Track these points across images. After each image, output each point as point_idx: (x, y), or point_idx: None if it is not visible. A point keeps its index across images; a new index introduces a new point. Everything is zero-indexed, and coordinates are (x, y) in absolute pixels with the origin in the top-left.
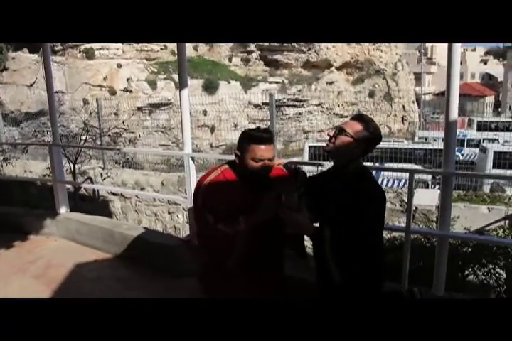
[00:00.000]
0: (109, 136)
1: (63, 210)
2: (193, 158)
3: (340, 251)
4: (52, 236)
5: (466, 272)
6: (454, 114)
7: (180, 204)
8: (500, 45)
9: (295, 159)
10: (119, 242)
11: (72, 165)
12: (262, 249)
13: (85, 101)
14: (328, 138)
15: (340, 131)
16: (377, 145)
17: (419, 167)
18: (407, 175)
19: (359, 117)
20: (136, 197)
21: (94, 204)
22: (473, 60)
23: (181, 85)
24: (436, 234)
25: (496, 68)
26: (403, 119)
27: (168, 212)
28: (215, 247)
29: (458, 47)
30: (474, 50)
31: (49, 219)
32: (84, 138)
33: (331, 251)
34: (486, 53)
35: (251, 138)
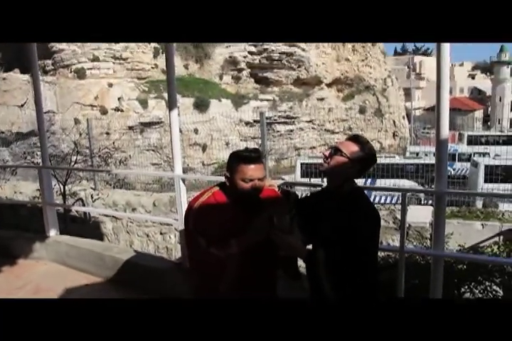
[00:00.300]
0: (99, 156)
1: (53, 233)
2: (183, 180)
3: (334, 272)
4: (41, 260)
5: (463, 290)
6: (445, 132)
7: (172, 225)
8: (488, 59)
9: (287, 177)
10: (109, 266)
11: (62, 187)
12: (254, 271)
13: (76, 121)
14: (323, 157)
15: (335, 151)
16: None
17: (411, 182)
18: (400, 182)
19: (355, 138)
20: (128, 217)
21: (85, 226)
22: (461, 74)
23: (171, 106)
24: (430, 254)
25: (483, 83)
26: (394, 135)
27: (160, 233)
28: (207, 271)
29: (446, 61)
30: (462, 65)
31: (38, 242)
32: (74, 158)
33: (325, 272)
34: (474, 68)
35: (239, 158)
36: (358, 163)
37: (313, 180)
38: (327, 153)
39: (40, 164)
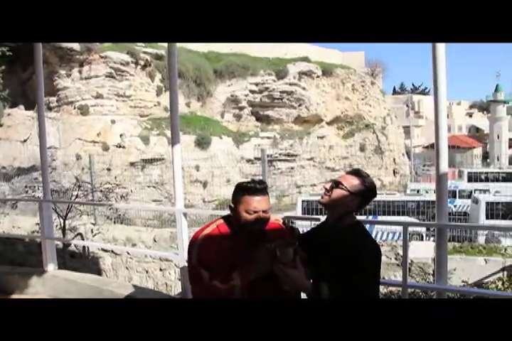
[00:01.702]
0: (100, 191)
1: (51, 268)
2: (185, 214)
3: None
4: (38, 296)
5: None
6: (445, 166)
7: (172, 261)
8: (484, 98)
9: (288, 213)
10: None
11: (62, 221)
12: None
13: (78, 157)
14: (324, 190)
15: (336, 184)
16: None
17: (412, 219)
18: (401, 227)
19: (356, 172)
20: (127, 253)
21: (84, 261)
22: (459, 113)
23: (173, 141)
24: (433, 288)
25: (481, 120)
26: (394, 172)
27: (160, 269)
28: None
29: (443, 99)
30: (459, 103)
31: (35, 277)
32: (75, 193)
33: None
34: (471, 107)
35: (244, 189)
36: (358, 196)
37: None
38: (328, 186)
39: (41, 198)
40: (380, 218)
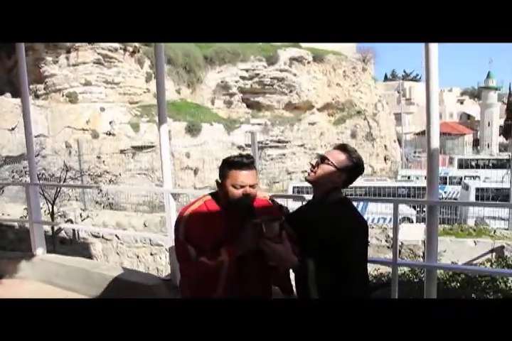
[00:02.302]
0: (89, 175)
1: (40, 252)
2: (173, 195)
3: (323, 285)
4: (27, 280)
5: None
6: (436, 141)
7: (162, 246)
8: (475, 85)
9: (279, 200)
10: (97, 283)
11: (50, 206)
12: (246, 281)
13: (68, 145)
14: (310, 167)
15: (322, 159)
16: (362, 185)
17: (403, 205)
18: (391, 212)
19: (342, 147)
20: (118, 238)
21: (74, 247)
22: (450, 100)
23: (160, 120)
24: (423, 266)
25: (472, 107)
26: (385, 159)
27: (151, 254)
28: (198, 282)
29: (435, 86)
30: (451, 90)
31: (24, 261)
32: (63, 177)
33: (315, 284)
34: (462, 94)
35: (231, 163)
36: (345, 172)
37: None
38: (314, 163)
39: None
40: (370, 204)
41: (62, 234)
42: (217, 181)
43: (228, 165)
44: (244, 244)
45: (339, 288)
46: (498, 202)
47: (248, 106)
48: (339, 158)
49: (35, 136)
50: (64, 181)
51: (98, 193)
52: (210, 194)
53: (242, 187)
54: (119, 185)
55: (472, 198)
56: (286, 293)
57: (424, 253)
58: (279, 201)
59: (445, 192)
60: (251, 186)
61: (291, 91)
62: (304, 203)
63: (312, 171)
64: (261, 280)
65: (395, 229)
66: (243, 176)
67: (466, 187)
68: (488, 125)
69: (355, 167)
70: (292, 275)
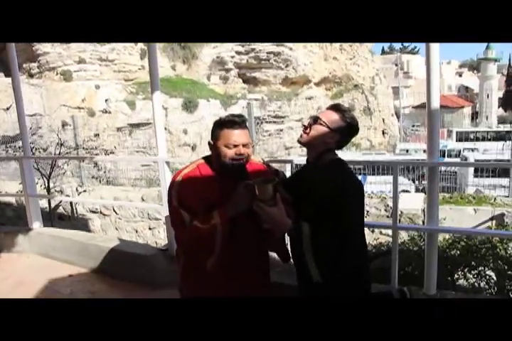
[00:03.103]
0: (84, 148)
1: (36, 225)
2: (167, 163)
3: (319, 249)
4: (24, 253)
5: (456, 276)
6: (436, 101)
7: (160, 220)
8: (474, 57)
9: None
10: (94, 255)
11: (46, 180)
12: (241, 246)
13: (64, 123)
14: (302, 128)
15: (315, 120)
16: (360, 159)
17: (401, 178)
18: (391, 183)
19: (335, 107)
20: (116, 213)
21: (73, 223)
22: (448, 72)
23: (152, 87)
24: (424, 229)
25: (471, 80)
26: (383, 132)
27: (149, 228)
28: (193, 247)
29: (436, 58)
30: (449, 63)
31: (21, 235)
32: (58, 152)
33: (310, 249)
34: (461, 66)
35: (222, 123)
36: (338, 132)
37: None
38: (306, 123)
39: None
40: (369, 178)
41: (60, 210)
42: (209, 143)
43: (219, 126)
44: (236, 205)
45: (336, 253)
46: (498, 162)
47: (244, 81)
48: (332, 117)
49: (31, 115)
50: (59, 154)
51: (94, 167)
52: (203, 157)
53: (234, 146)
54: (119, 168)
55: (471, 171)
56: (282, 258)
57: (423, 222)
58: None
59: None
60: (244, 145)
61: (287, 66)
62: (301, 166)
63: (305, 132)
64: (257, 245)
65: (395, 191)
66: (235, 135)
67: (465, 160)
68: (488, 97)
69: (348, 127)
70: (288, 241)
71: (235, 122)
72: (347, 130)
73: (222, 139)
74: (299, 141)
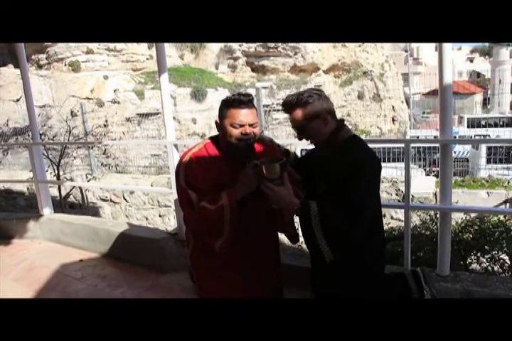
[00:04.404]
0: (92, 135)
1: (47, 211)
2: (176, 146)
3: (329, 223)
4: (36, 239)
5: (469, 260)
6: (448, 76)
7: (170, 207)
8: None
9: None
10: (104, 240)
11: (56, 168)
12: (251, 229)
13: (74, 114)
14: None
15: (299, 128)
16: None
17: (411, 164)
18: (402, 164)
19: (290, 105)
20: (126, 201)
21: (83, 211)
22: (459, 58)
23: (160, 68)
24: (436, 208)
25: (482, 65)
26: (393, 120)
27: (159, 216)
28: (202, 228)
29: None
30: (460, 48)
31: (32, 221)
32: (67, 138)
33: (319, 226)
34: (472, 51)
35: (228, 102)
36: (317, 115)
37: None
38: (297, 135)
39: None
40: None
41: (71, 198)
42: (216, 122)
43: (226, 105)
44: (244, 185)
45: (346, 225)
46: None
47: (253, 69)
48: (302, 113)
49: (41, 106)
50: (68, 140)
51: (103, 154)
52: (210, 137)
53: (241, 126)
54: (128, 157)
55: (483, 157)
56: (291, 238)
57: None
58: None
59: (455, 152)
60: (250, 125)
61: (295, 54)
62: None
63: (306, 139)
64: (266, 226)
65: (407, 169)
66: (242, 114)
67: (477, 147)
68: (500, 82)
69: (313, 103)
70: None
71: (242, 101)
72: (320, 106)
73: (228, 118)
74: (312, 143)
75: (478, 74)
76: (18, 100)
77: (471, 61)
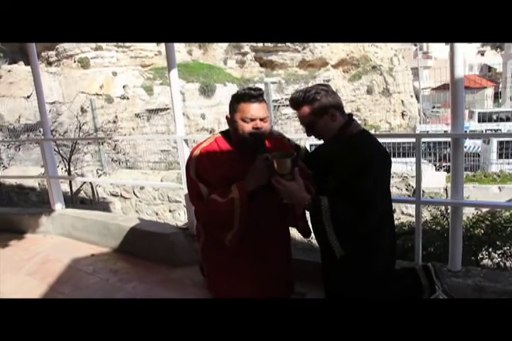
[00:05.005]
0: (102, 131)
1: (58, 207)
2: (186, 141)
3: (339, 218)
4: (48, 234)
5: (480, 256)
6: (460, 68)
7: (180, 202)
8: None
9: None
10: (115, 235)
11: (67, 164)
12: (261, 223)
13: (83, 110)
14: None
15: (307, 126)
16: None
17: (423, 160)
18: (412, 159)
19: (297, 103)
20: (136, 196)
21: (94, 207)
22: (470, 51)
23: (169, 63)
24: (448, 203)
25: (493, 59)
26: (403, 114)
27: (170, 211)
28: (212, 221)
29: None
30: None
31: (44, 216)
32: (78, 134)
33: (330, 221)
34: (483, 45)
35: (239, 96)
36: (325, 111)
37: None
38: (306, 132)
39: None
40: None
41: (82, 194)
42: (227, 117)
43: (236, 99)
44: (254, 179)
45: (356, 220)
46: None
47: (261, 65)
48: (309, 110)
49: (51, 103)
50: (78, 136)
51: (113, 150)
52: (221, 132)
53: (252, 120)
54: (138, 153)
55: (494, 152)
56: (303, 233)
57: None
58: None
59: (465, 147)
60: (261, 119)
61: (304, 49)
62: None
63: (315, 136)
64: (277, 220)
65: (418, 164)
66: (252, 109)
67: (488, 141)
68: (511, 76)
69: (325, 99)
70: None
71: (252, 95)
72: (326, 100)
73: (239, 113)
74: (322, 140)
75: (490, 68)
76: (28, 97)
77: (482, 54)
